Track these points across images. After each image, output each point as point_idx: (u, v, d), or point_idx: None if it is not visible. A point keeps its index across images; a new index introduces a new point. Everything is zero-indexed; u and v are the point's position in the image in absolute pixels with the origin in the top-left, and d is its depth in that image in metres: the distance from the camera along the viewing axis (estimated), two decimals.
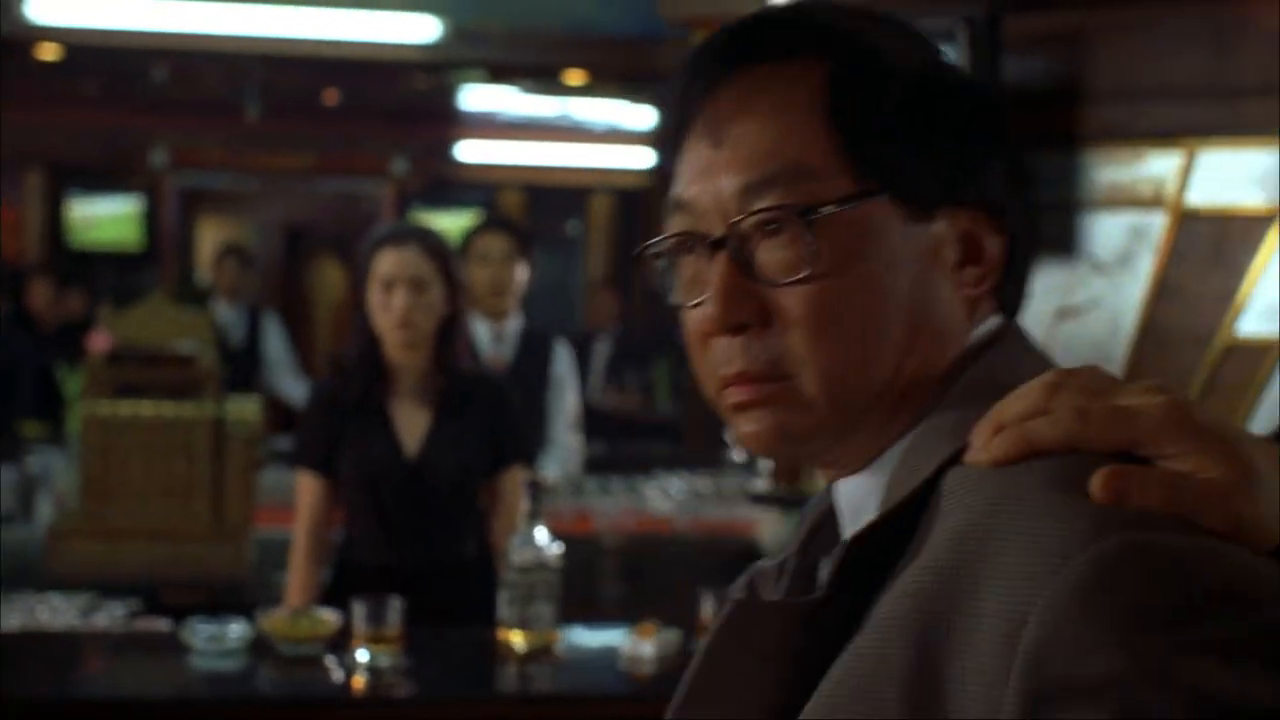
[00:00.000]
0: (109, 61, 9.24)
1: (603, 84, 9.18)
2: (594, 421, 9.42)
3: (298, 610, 2.94)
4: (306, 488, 3.50)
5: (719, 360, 0.98)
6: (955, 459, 0.91)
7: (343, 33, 6.14)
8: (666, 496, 6.52)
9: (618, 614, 6.06)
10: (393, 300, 3.35)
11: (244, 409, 4.55)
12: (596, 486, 6.57)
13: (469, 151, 11.69)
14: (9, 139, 11.07)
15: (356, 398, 3.45)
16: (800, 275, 0.95)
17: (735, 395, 0.98)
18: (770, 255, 0.96)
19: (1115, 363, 4.46)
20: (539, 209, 12.33)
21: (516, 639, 2.90)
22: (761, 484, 5.88)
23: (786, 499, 5.22)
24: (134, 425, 4.44)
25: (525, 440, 3.68)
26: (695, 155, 0.99)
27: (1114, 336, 4.50)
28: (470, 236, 4.97)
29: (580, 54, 6.68)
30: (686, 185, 1.00)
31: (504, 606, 2.93)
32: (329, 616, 2.90)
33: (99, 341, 4.52)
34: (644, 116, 10.81)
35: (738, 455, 6.86)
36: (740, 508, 6.36)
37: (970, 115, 1.02)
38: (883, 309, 0.96)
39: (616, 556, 6.17)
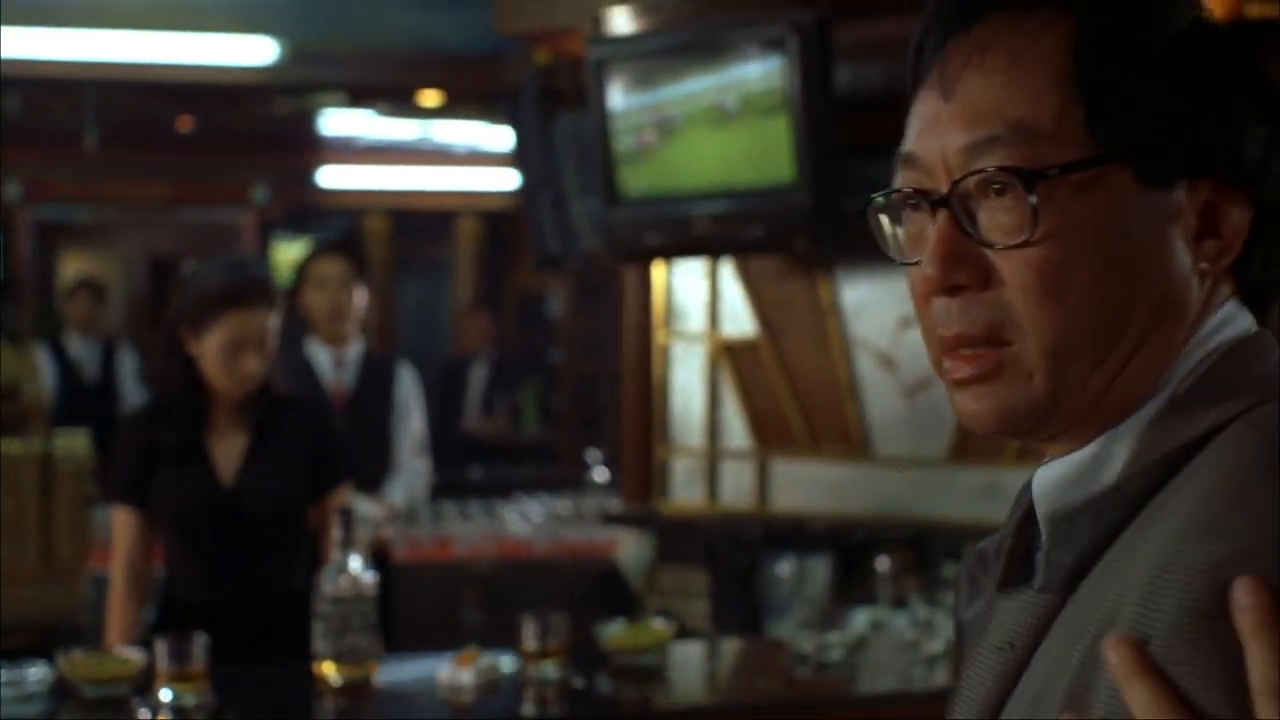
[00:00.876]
0: None
1: (459, 106, 9.11)
2: (467, 447, 9.35)
3: (99, 651, 2.82)
4: (121, 522, 3.40)
5: (938, 320, 0.94)
6: (1206, 439, 0.88)
7: (180, 56, 5.99)
8: (526, 520, 6.44)
9: (479, 640, 5.99)
10: (241, 362, 3.27)
11: (73, 444, 4.40)
12: (456, 512, 6.48)
13: (330, 177, 11.54)
14: None
15: (174, 440, 3.35)
16: (1020, 240, 0.91)
17: (957, 370, 0.94)
18: (992, 217, 0.92)
19: None
20: (404, 234, 12.21)
21: (331, 672, 2.81)
22: (614, 505, 5.84)
23: (640, 519, 5.17)
24: None
25: (347, 461, 3.58)
26: (925, 107, 0.96)
27: None
28: (306, 262, 4.87)
29: (427, 74, 6.60)
30: (915, 139, 0.97)
31: (318, 639, 2.84)
32: (132, 656, 2.79)
33: None
34: (503, 137, 10.75)
35: (599, 476, 6.82)
36: (600, 529, 6.31)
37: (1228, 77, 0.94)
38: (1107, 279, 0.91)
39: (478, 582, 6.09)
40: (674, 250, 4.44)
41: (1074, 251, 0.91)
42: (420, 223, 12.20)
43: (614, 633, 3.02)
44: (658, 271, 5.03)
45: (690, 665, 3.06)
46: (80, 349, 7.92)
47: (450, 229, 12.20)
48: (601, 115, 4.41)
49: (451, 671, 2.82)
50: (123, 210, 11.93)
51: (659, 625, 3.05)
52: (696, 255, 4.65)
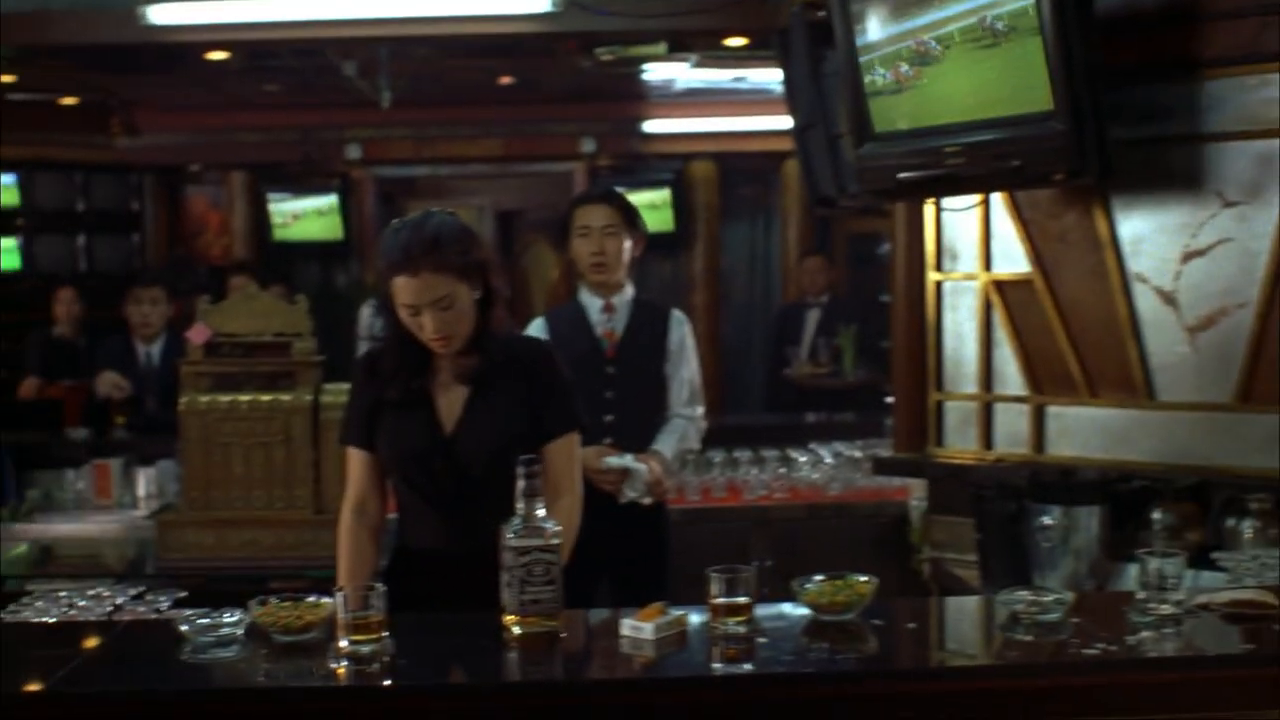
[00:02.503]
0: (289, 60, 9.41)
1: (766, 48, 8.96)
2: (794, 393, 9.27)
3: (293, 598, 2.87)
4: (352, 461, 3.50)
5: None
6: None
7: (461, 9, 6.08)
8: (819, 466, 6.32)
9: (768, 587, 5.91)
10: (422, 322, 3.29)
11: (341, 394, 4.52)
12: (750, 457, 6.41)
13: (655, 125, 11.58)
14: (210, 142, 11.44)
15: (398, 394, 3.40)
16: None
17: None
18: None
19: (1249, 305, 4.12)
20: (731, 179, 12.15)
21: (514, 625, 2.78)
22: (886, 451, 5.65)
23: (910, 466, 4.98)
24: (232, 415, 4.47)
25: (570, 408, 3.53)
26: None
27: (1247, 275, 4.15)
28: (571, 208, 4.87)
29: (701, 16, 6.49)
30: None
31: (502, 591, 2.81)
32: (322, 603, 2.82)
33: (198, 334, 4.55)
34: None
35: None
36: (894, 476, 6.13)
37: None
38: None
39: (769, 529, 6.01)
40: (928, 187, 4.23)
41: None
42: (747, 167, 12.11)
43: (810, 588, 2.89)
44: (927, 210, 4.83)
45: (892, 623, 2.90)
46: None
47: (778, 172, 12.07)
48: (849, 49, 4.24)
49: (633, 626, 2.75)
50: (460, 166, 12.29)
51: (860, 580, 2.91)
52: (952, 191, 4.42)
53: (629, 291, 4.85)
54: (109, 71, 9.86)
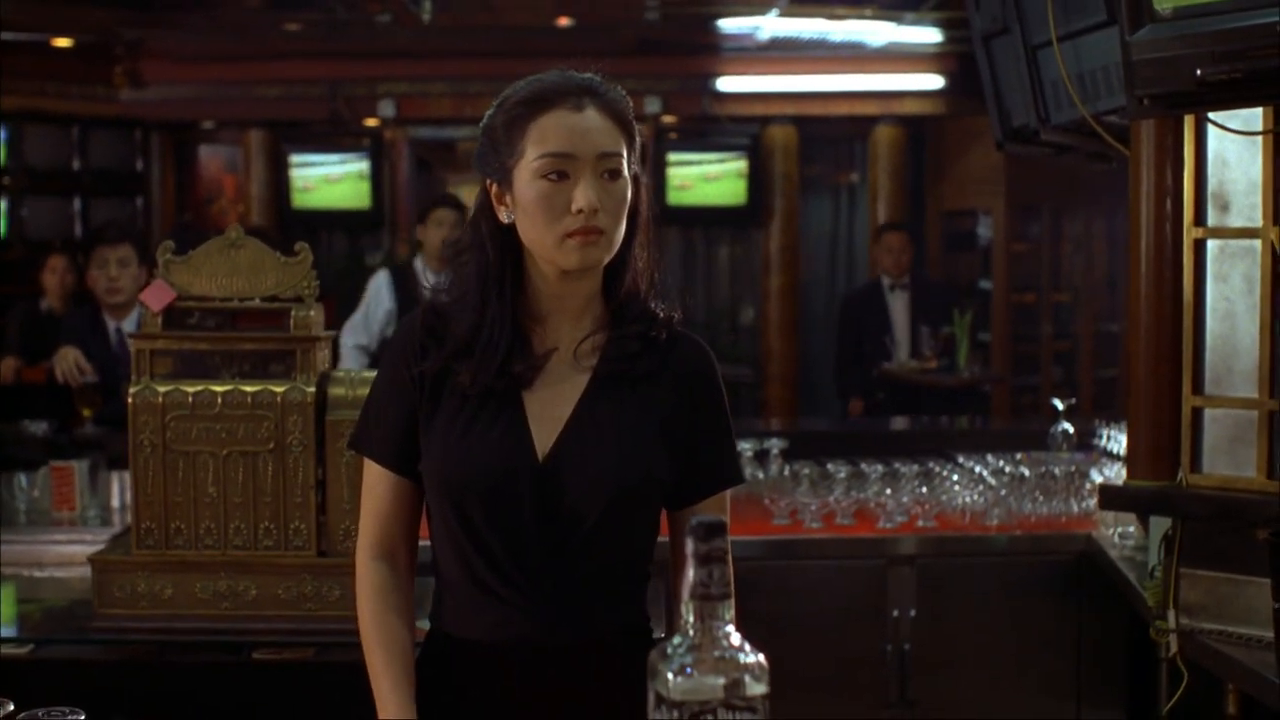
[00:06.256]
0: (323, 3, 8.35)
1: None
2: (886, 389, 7.93)
3: None
4: (373, 483, 2.21)
5: None
6: None
7: None
8: (973, 487, 4.92)
9: (910, 643, 4.57)
10: (570, 194, 2.08)
11: (359, 383, 3.14)
12: (881, 473, 5.03)
13: (730, 84, 10.24)
14: (225, 96, 10.25)
15: (484, 376, 2.12)
16: None
17: None
18: None
19: None
20: (812, 146, 10.85)
21: None
22: (1110, 472, 4.24)
23: (1152, 497, 3.55)
24: (202, 412, 3.10)
25: (736, 452, 2.22)
26: None
27: None
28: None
29: None
30: None
31: None
32: None
33: (156, 296, 3.17)
34: (924, 31, 9.25)
35: (1065, 431, 5.24)
36: (1071, 501, 4.78)
37: None
38: None
39: (910, 567, 4.65)
40: (1246, 90, 2.81)
41: None
42: (832, 133, 10.81)
43: None
44: (1185, 138, 3.43)
45: None
46: (436, 276, 6.90)
47: (866, 139, 10.72)
48: None
49: None
50: None
51: None
52: (1272, 96, 3.00)
53: None
54: (110, 7, 8.73)
